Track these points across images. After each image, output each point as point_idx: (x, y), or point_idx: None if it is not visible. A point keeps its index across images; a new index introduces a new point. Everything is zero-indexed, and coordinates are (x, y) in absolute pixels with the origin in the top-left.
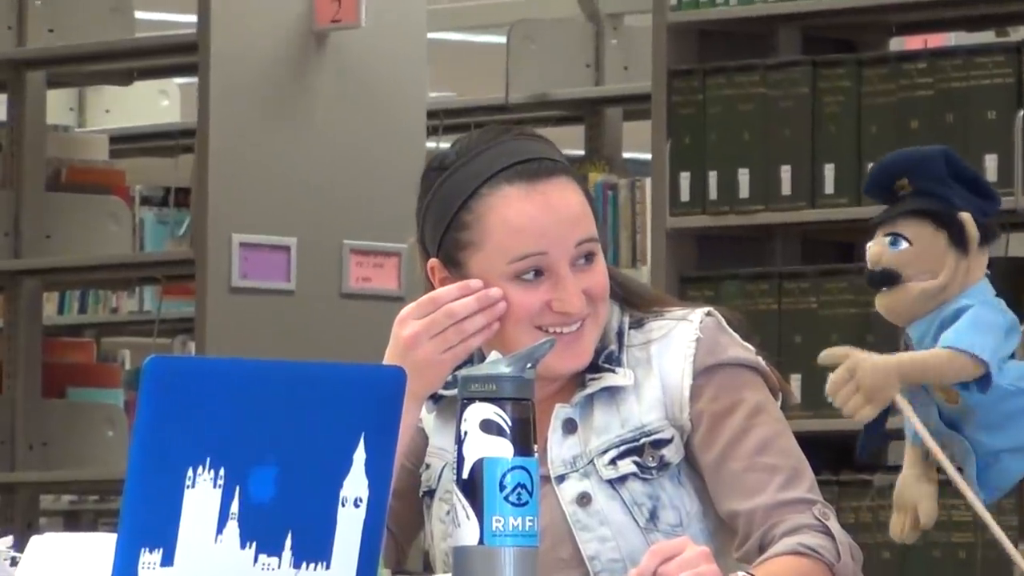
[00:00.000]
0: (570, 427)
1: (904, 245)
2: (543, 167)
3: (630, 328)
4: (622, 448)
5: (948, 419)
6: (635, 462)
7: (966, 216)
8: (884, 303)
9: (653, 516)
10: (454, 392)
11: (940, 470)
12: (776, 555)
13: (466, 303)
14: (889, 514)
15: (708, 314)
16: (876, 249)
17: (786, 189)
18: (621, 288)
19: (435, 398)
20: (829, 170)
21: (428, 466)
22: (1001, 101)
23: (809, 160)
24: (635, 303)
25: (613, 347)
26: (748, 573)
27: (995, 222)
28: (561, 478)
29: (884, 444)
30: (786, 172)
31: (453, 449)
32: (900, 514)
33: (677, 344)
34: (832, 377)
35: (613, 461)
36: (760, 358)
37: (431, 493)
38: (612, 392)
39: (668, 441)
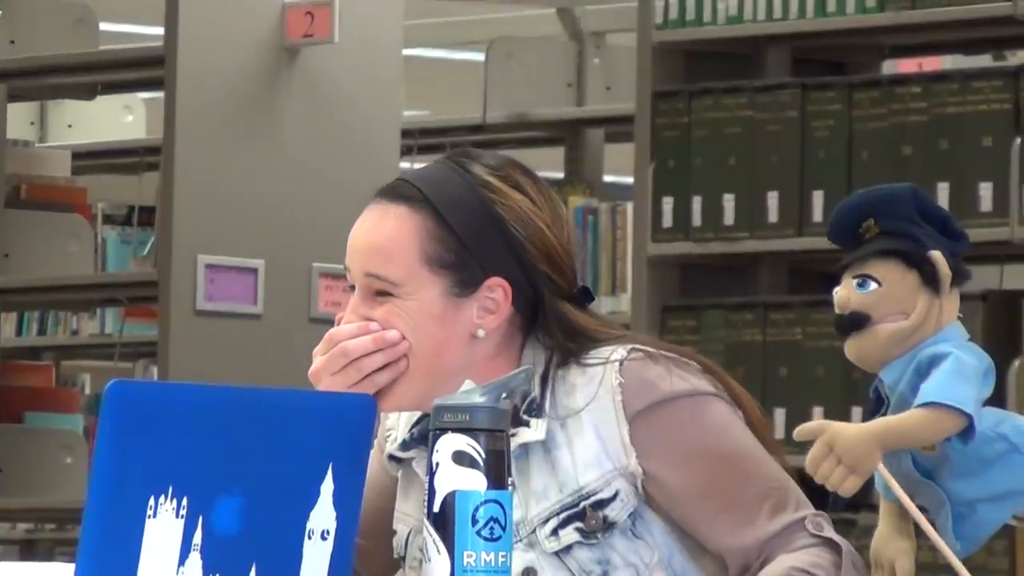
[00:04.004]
0: None
1: (873, 286)
2: (390, 188)
3: (557, 368)
4: (562, 516)
5: (923, 467)
6: (577, 529)
7: (937, 255)
8: (853, 348)
9: None
10: (411, 454)
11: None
12: None
13: (361, 342)
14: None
15: (631, 351)
16: (843, 293)
17: (773, 216)
18: (548, 325)
19: (397, 460)
20: (818, 197)
21: (395, 532)
22: (998, 128)
23: (797, 186)
24: (561, 340)
25: (535, 393)
26: None
27: (962, 263)
28: None
29: (852, 499)
30: (773, 198)
31: (415, 515)
32: (878, 572)
33: (603, 393)
34: (811, 454)
35: (555, 531)
36: (700, 380)
37: (402, 559)
38: (546, 447)
39: (611, 499)
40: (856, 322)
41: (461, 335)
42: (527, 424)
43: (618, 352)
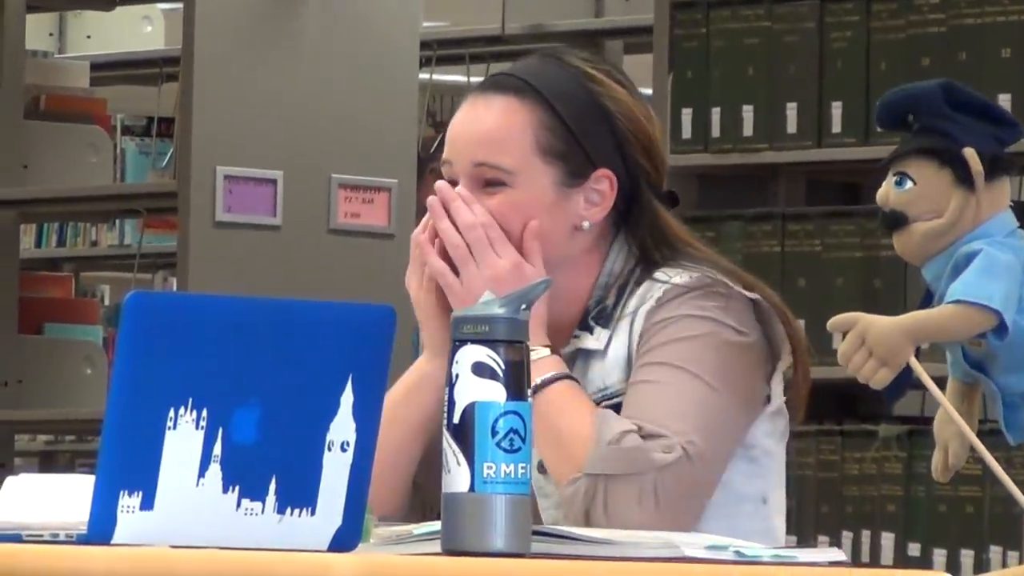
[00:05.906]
0: None
1: (909, 185)
2: (493, 81)
3: (637, 284)
4: None
5: (973, 361)
6: None
7: (969, 152)
8: (897, 245)
9: None
10: None
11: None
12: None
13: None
14: (893, 465)
15: (697, 279)
16: (883, 190)
17: (791, 127)
18: (644, 232)
19: None
20: (836, 108)
21: None
22: (1016, 39)
23: (816, 97)
24: (649, 241)
25: (610, 301)
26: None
27: (1007, 153)
28: None
29: (905, 390)
30: (792, 110)
31: None
32: (938, 451)
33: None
34: (843, 345)
35: None
36: (735, 320)
37: None
38: (588, 352)
39: None
40: (893, 220)
41: (567, 226)
42: (590, 331)
43: (682, 277)
